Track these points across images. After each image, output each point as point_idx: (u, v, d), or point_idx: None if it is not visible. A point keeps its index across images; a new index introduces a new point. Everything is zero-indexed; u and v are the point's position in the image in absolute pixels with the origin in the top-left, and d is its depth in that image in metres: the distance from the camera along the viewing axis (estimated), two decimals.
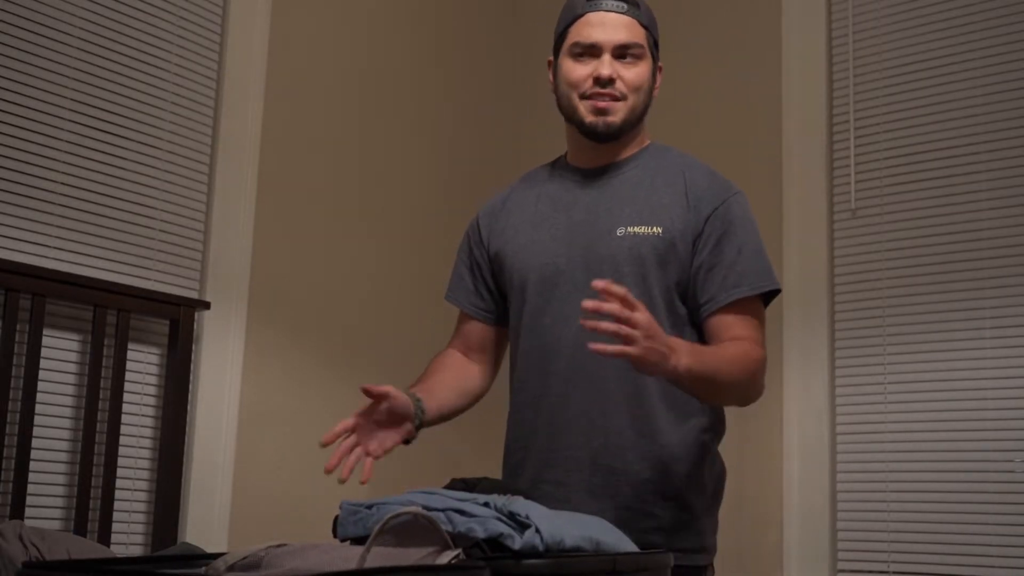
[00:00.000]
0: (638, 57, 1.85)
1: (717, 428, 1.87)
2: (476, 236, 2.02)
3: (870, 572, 2.65)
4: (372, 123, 2.98)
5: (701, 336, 1.84)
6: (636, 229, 1.83)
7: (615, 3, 1.86)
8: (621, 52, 1.84)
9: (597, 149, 1.91)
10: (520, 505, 1.26)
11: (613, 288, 1.53)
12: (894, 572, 2.62)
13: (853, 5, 2.89)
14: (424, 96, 3.13)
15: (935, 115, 2.74)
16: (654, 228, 1.82)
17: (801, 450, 2.76)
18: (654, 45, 1.90)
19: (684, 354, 1.62)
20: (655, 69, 1.91)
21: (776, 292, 1.85)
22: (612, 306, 1.54)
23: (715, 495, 1.87)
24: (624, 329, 1.54)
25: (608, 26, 1.84)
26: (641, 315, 1.55)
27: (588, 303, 1.55)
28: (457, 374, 1.98)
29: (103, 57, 2.37)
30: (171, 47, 2.50)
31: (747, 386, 1.77)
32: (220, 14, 2.61)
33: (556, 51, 1.93)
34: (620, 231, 1.83)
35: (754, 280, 1.80)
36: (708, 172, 1.89)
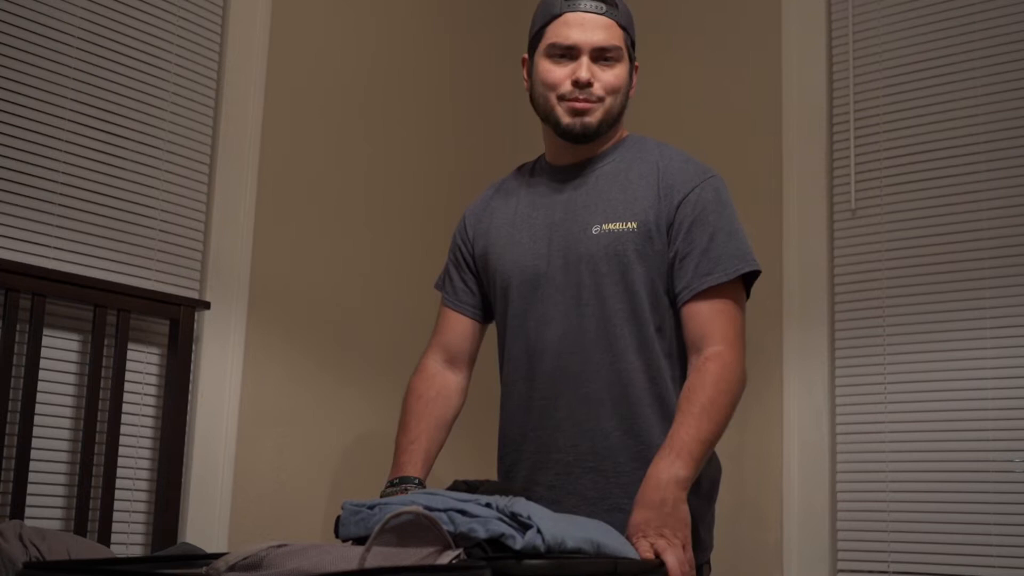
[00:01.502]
0: (616, 59, 1.85)
1: None
2: (463, 234, 2.03)
3: (870, 572, 2.65)
4: (373, 123, 2.98)
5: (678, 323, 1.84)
6: (611, 226, 1.82)
7: (593, 3, 1.84)
8: (599, 54, 1.84)
9: (573, 148, 1.91)
10: (522, 506, 1.26)
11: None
12: (894, 572, 2.62)
13: (853, 5, 2.89)
14: (425, 96, 3.13)
15: (935, 115, 2.74)
16: (629, 224, 1.81)
17: (801, 450, 2.76)
18: (631, 45, 1.89)
19: (674, 465, 1.63)
20: (632, 69, 1.90)
21: (755, 273, 1.83)
22: None
23: (710, 492, 1.86)
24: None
25: (587, 27, 1.83)
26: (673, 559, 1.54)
27: None
28: (436, 409, 1.97)
29: (103, 57, 2.37)
30: (171, 47, 2.50)
31: (732, 404, 1.75)
32: (220, 14, 2.61)
33: (532, 50, 1.91)
34: (596, 229, 1.83)
35: (727, 265, 1.78)
36: (681, 160, 1.87)
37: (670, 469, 1.64)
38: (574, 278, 1.83)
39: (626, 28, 1.87)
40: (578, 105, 1.84)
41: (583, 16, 1.83)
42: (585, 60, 1.83)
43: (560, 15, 1.85)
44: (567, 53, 1.84)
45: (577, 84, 1.83)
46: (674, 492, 1.62)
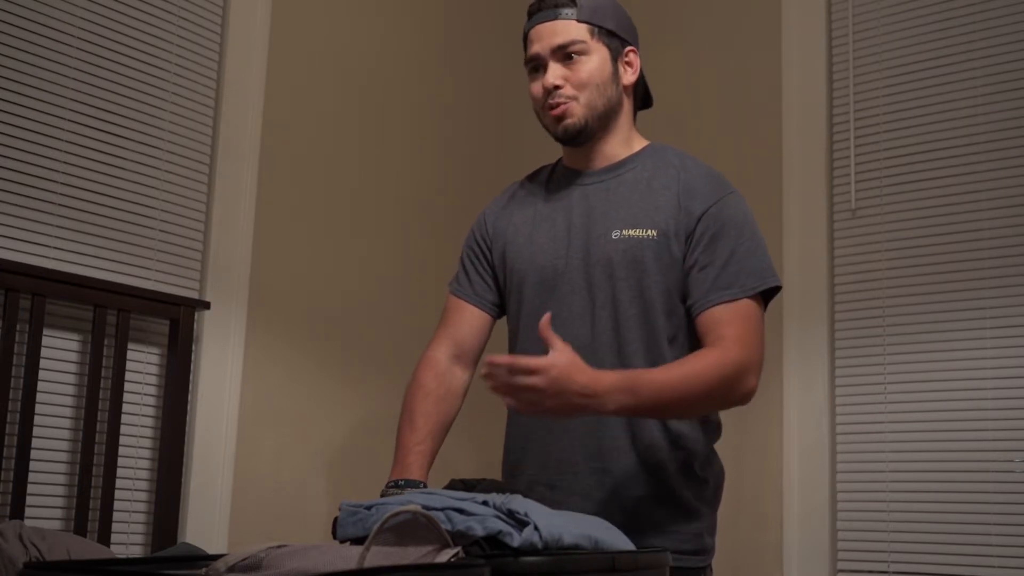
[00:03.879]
0: (581, 53, 1.86)
1: (712, 428, 1.87)
2: (482, 230, 2.03)
3: (870, 572, 2.65)
4: (373, 123, 2.98)
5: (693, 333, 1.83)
6: (631, 232, 1.83)
7: (546, 12, 1.89)
8: (562, 54, 1.87)
9: (583, 151, 1.92)
10: (519, 503, 1.26)
11: (496, 360, 1.59)
12: (894, 572, 2.62)
13: (853, 5, 2.89)
14: (424, 96, 3.13)
15: (935, 115, 2.74)
16: (649, 231, 1.82)
17: (801, 450, 2.76)
18: (608, 34, 1.89)
19: (613, 396, 1.63)
20: (616, 57, 1.90)
21: (775, 289, 1.83)
22: (501, 379, 1.59)
23: (713, 496, 1.86)
24: (520, 396, 1.59)
25: (544, 36, 1.88)
26: (537, 379, 1.58)
27: (483, 372, 1.61)
28: (444, 409, 1.96)
29: (103, 57, 2.37)
30: (171, 47, 2.50)
31: (713, 398, 1.74)
32: (220, 14, 2.61)
33: None
34: (616, 234, 1.83)
35: (746, 281, 1.78)
36: (704, 172, 1.88)
37: (612, 390, 1.63)
38: (590, 280, 1.84)
39: (590, 21, 1.88)
40: (554, 112, 1.87)
41: (540, 28, 1.89)
42: (551, 65, 1.87)
43: (527, 34, 1.93)
44: (536, 66, 1.90)
45: (546, 91, 1.87)
46: (592, 395, 1.61)
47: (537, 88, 1.89)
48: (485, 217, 2.05)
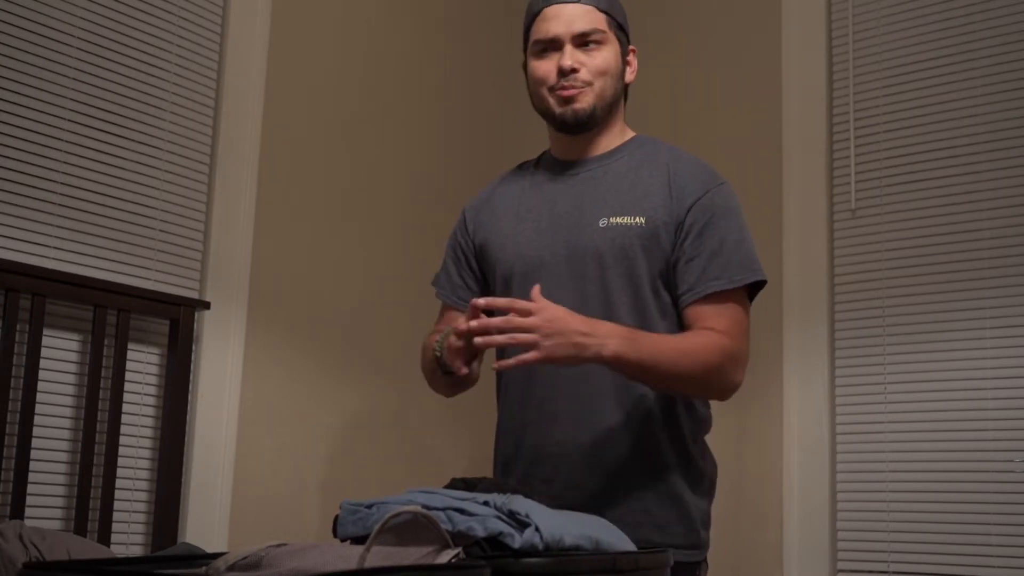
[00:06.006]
0: (600, 43, 1.86)
1: (702, 420, 1.87)
2: (463, 228, 2.03)
3: (870, 572, 2.65)
4: (373, 123, 2.98)
5: (682, 325, 1.83)
6: (619, 220, 1.82)
7: None
8: (581, 41, 1.85)
9: (577, 141, 1.91)
10: (520, 504, 1.26)
11: (494, 302, 1.60)
12: (894, 572, 2.62)
13: (853, 5, 2.89)
14: (425, 96, 3.13)
15: (935, 115, 2.74)
16: (637, 218, 1.82)
17: (801, 450, 2.76)
18: (619, 28, 1.89)
19: (613, 340, 1.64)
20: (624, 53, 1.90)
21: (761, 283, 1.83)
22: (495, 321, 1.59)
23: (708, 489, 1.86)
24: (518, 337, 1.58)
25: (564, 17, 1.85)
26: (534, 318, 1.59)
27: (472, 324, 1.61)
28: None
29: (103, 57, 2.37)
30: (171, 47, 2.50)
31: (706, 377, 1.74)
32: (220, 14, 2.61)
33: (525, 53, 1.94)
34: (603, 222, 1.83)
35: (734, 272, 1.79)
36: (693, 163, 1.88)
37: (612, 335, 1.64)
38: (578, 270, 1.84)
39: (608, 11, 1.87)
40: (565, 93, 1.85)
41: (560, 8, 1.86)
42: (568, 48, 1.84)
43: (540, 12, 1.88)
44: (550, 46, 1.86)
45: (562, 72, 1.84)
46: (590, 335, 1.62)
47: (548, 67, 1.86)
48: (465, 215, 2.04)
